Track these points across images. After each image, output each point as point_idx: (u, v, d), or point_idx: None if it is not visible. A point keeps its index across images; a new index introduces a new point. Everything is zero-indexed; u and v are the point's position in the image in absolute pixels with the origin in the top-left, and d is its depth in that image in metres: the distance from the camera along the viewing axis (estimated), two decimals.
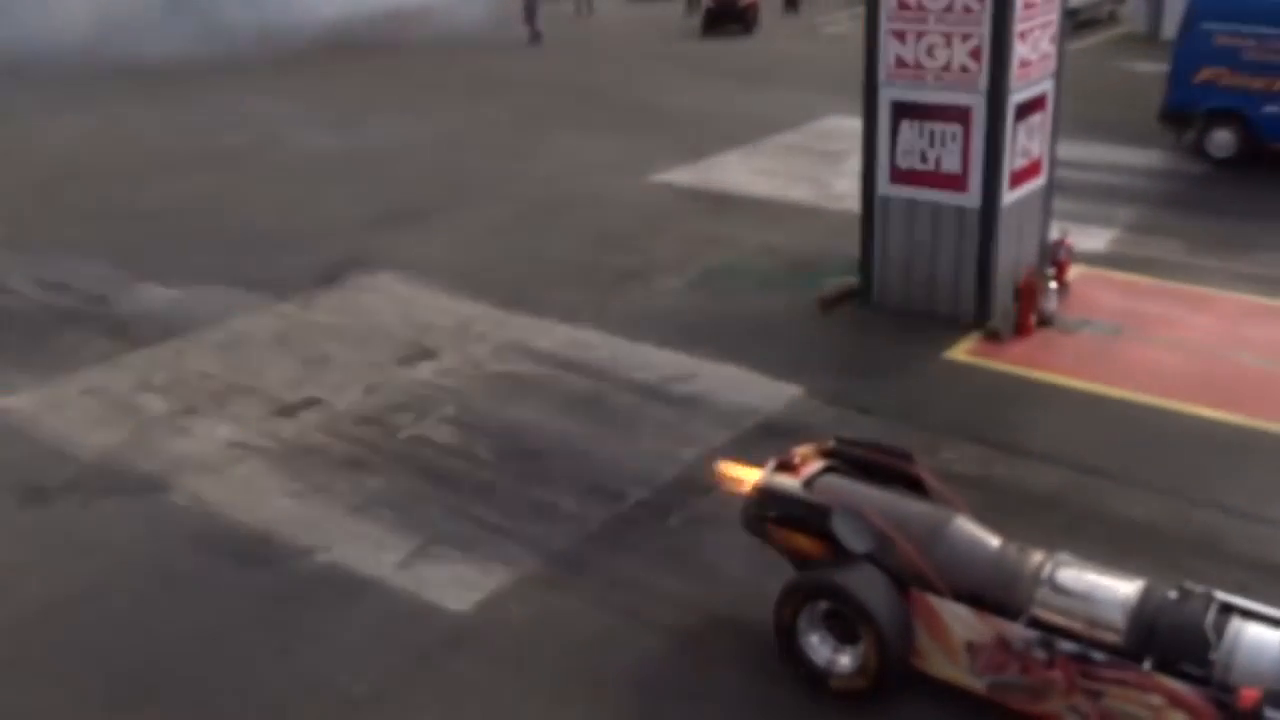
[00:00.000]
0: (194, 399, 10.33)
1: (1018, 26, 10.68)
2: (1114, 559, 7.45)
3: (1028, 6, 10.79)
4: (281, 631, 7.31)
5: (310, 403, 10.22)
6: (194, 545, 8.22)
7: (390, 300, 12.55)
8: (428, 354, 11.14)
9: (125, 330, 11.83)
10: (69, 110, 22.33)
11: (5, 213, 15.67)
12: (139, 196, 16.48)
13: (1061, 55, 11.70)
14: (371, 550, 8.06)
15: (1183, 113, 17.23)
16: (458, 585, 7.68)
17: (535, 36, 30.42)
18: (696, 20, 31.48)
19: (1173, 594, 5.99)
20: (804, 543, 6.72)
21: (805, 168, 17.36)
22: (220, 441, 9.60)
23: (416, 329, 11.72)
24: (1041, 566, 6.25)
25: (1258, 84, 16.45)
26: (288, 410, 10.10)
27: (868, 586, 6.34)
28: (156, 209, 15.83)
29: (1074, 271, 12.41)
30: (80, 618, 7.49)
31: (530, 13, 30.39)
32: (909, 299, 11.72)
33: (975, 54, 10.68)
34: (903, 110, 11.21)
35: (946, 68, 10.86)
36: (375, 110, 22.10)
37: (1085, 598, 6.03)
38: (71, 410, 10.22)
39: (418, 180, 17.11)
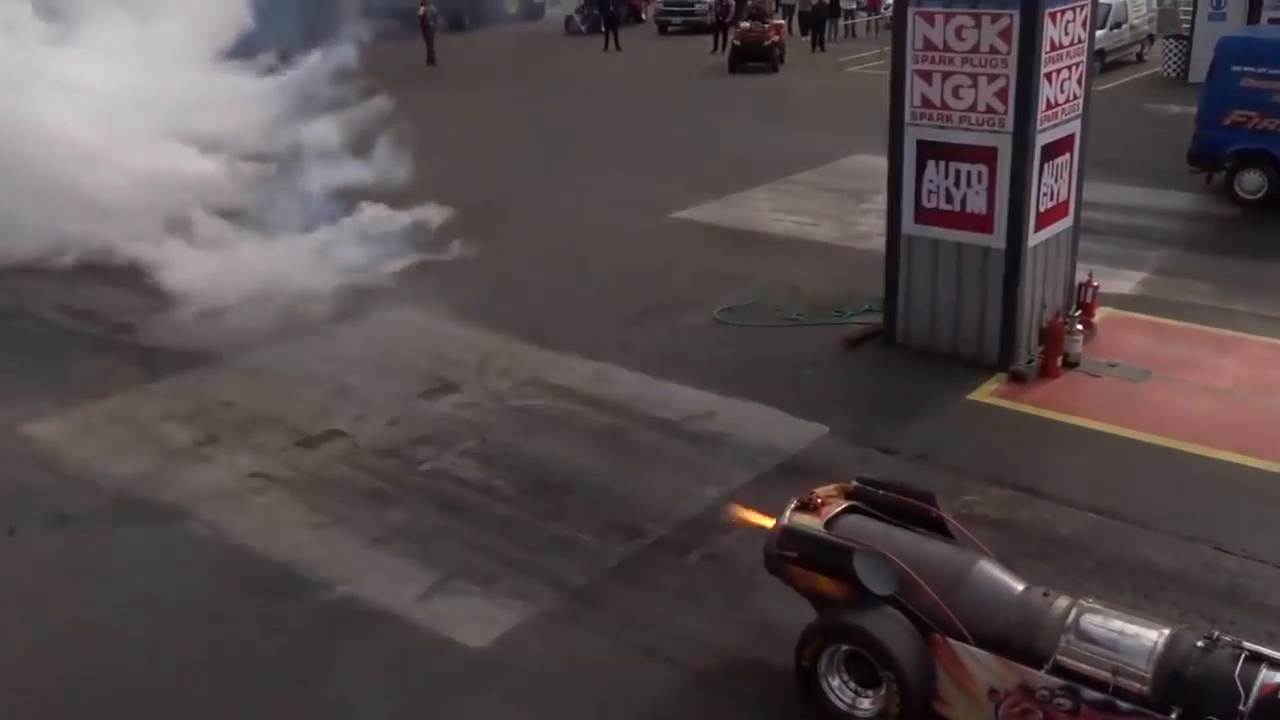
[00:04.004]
0: (217, 429, 10.36)
1: (1044, 68, 10.67)
2: (1140, 606, 7.40)
3: (1054, 48, 10.79)
4: (299, 664, 7.29)
5: (332, 434, 10.24)
6: (214, 575, 8.22)
7: (413, 333, 12.58)
8: (450, 387, 11.15)
9: (151, 359, 11.89)
10: None
11: None
12: None
13: (1088, 96, 11.68)
14: (391, 584, 8.04)
15: (1212, 155, 17.17)
16: (476, 620, 7.65)
17: (429, 57, 32.54)
18: (723, 58, 31.66)
19: (1200, 643, 5.88)
20: (825, 584, 6.66)
21: (829, 206, 17.36)
22: (242, 472, 9.61)
23: (439, 362, 11.74)
24: (1066, 612, 6.15)
25: None
26: (310, 441, 10.11)
27: (890, 630, 6.27)
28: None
29: (1101, 313, 12.35)
30: (99, 645, 7.49)
31: (428, 34, 32.61)
32: (933, 339, 11.67)
33: (1001, 95, 10.67)
34: (928, 150, 11.21)
35: (972, 108, 10.85)
36: (392, 142, 22.21)
37: (1111, 645, 5.93)
38: (96, 438, 10.27)
39: (440, 213, 17.17)
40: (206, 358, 11.85)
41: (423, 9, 32.78)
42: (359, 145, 16.67)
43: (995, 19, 10.53)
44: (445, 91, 27.68)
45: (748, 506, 7.72)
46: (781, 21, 33.74)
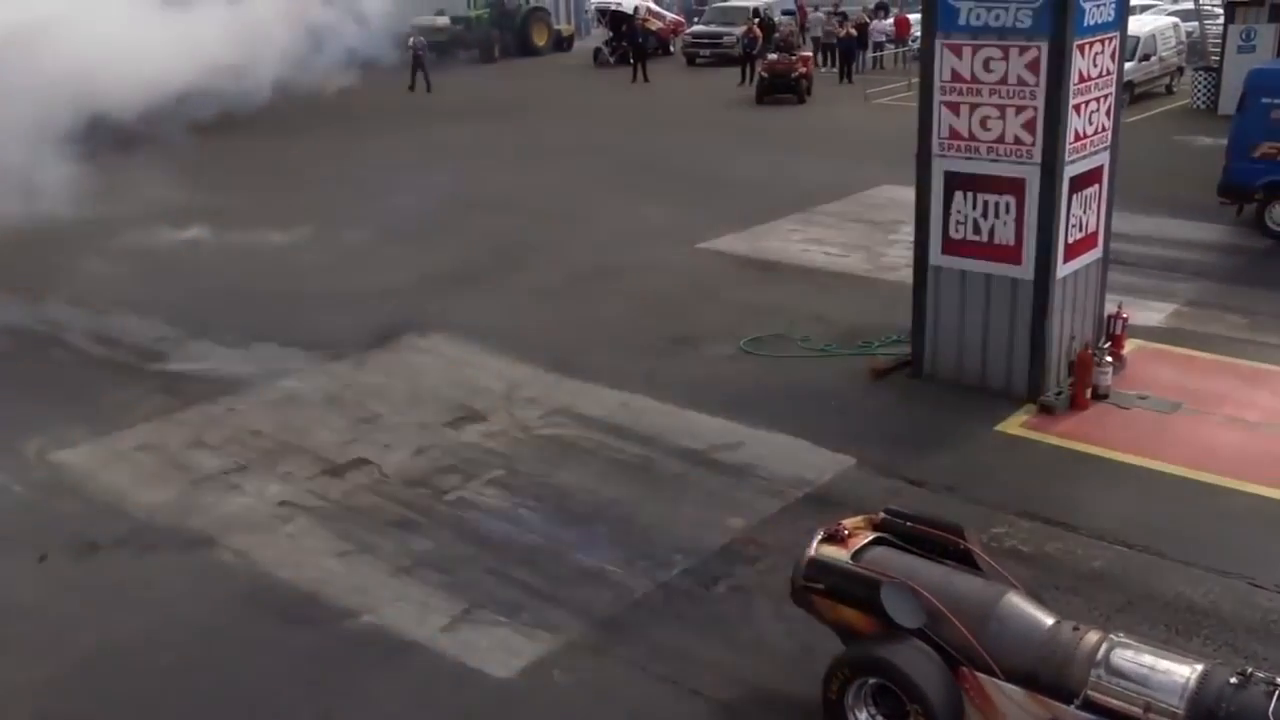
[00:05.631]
0: (245, 457, 10.43)
1: (1072, 99, 10.66)
2: (1172, 641, 7.31)
3: (1083, 79, 10.78)
4: (324, 693, 7.29)
5: (359, 463, 10.28)
6: (241, 603, 8.25)
7: (441, 362, 12.64)
8: (477, 416, 11.18)
9: (180, 387, 11.99)
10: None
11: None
12: (196, 257, 16.79)
13: (1118, 128, 11.65)
14: (416, 613, 8.05)
15: (1242, 187, 17.07)
16: (502, 651, 7.64)
17: (426, 87, 33.69)
18: (750, 89, 31.78)
19: (1233, 679, 5.79)
20: (852, 616, 6.62)
21: (857, 237, 17.35)
22: (270, 500, 9.66)
23: (466, 391, 11.78)
24: (1097, 647, 6.09)
25: None
26: (337, 470, 10.16)
27: (918, 663, 6.22)
28: (218, 268, 16.10)
29: (1131, 345, 12.26)
30: (127, 672, 7.53)
31: (418, 65, 33.57)
32: (961, 371, 11.62)
33: (1029, 126, 10.66)
34: (956, 181, 11.19)
35: (1000, 139, 10.84)
36: (424, 173, 22.42)
37: (1142, 681, 5.87)
38: (126, 466, 10.35)
39: (470, 244, 17.30)
40: (235, 386, 11.95)
41: (412, 40, 33.55)
42: None
43: (1023, 51, 10.54)
44: (469, 124, 27.91)
45: None
46: (809, 53, 33.84)
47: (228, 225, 18.30)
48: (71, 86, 15.86)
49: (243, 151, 24.75)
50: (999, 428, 10.80)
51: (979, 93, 10.86)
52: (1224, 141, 17.69)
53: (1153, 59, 28.77)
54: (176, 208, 19.53)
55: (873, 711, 6.48)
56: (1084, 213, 11.31)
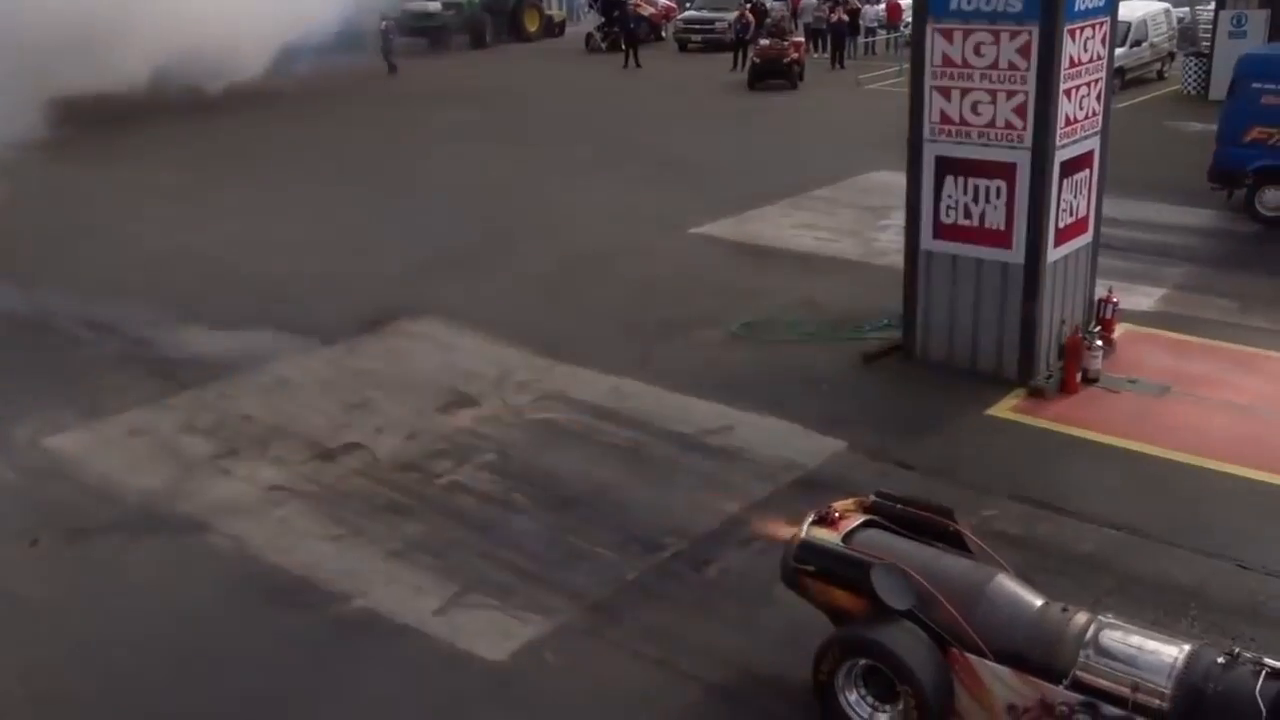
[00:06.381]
0: (237, 442, 10.42)
1: (1063, 84, 10.67)
2: (1160, 622, 7.35)
3: (1074, 64, 10.79)
4: (317, 677, 7.31)
5: (351, 448, 10.28)
6: (232, 587, 8.26)
7: (433, 347, 12.63)
8: (469, 401, 11.19)
9: (171, 372, 11.97)
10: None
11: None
12: (181, 237, 16.75)
13: (1108, 113, 11.67)
14: (409, 596, 8.06)
15: (1232, 172, 17.10)
16: (494, 633, 7.66)
17: (391, 69, 33.99)
18: (742, 75, 31.73)
19: (1220, 659, 5.84)
20: (843, 598, 6.65)
21: (848, 222, 17.36)
22: (261, 485, 9.67)
23: (458, 376, 11.78)
24: (1085, 628, 6.12)
25: None
26: (329, 454, 10.16)
27: (907, 644, 6.25)
28: (207, 252, 16.06)
29: (1121, 329, 12.30)
30: (118, 658, 7.54)
31: (387, 49, 34.03)
32: (952, 355, 11.65)
33: (1020, 111, 10.67)
34: (947, 166, 11.21)
35: (991, 124, 10.85)
36: (414, 158, 22.38)
37: (1130, 661, 5.90)
38: (117, 451, 10.34)
39: (461, 229, 17.27)
40: (226, 371, 11.93)
41: (384, 24, 33.54)
42: None
43: (1014, 35, 10.54)
44: (459, 110, 27.83)
45: (770, 520, 7.74)
46: (801, 39, 33.80)
47: (211, 210, 18.27)
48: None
49: (223, 134, 24.72)
50: (989, 411, 10.84)
51: (970, 77, 10.86)
52: (1214, 127, 17.71)
53: (1144, 44, 28.81)
54: (156, 189, 19.53)
55: (863, 692, 6.52)
56: (1074, 197, 11.33)
